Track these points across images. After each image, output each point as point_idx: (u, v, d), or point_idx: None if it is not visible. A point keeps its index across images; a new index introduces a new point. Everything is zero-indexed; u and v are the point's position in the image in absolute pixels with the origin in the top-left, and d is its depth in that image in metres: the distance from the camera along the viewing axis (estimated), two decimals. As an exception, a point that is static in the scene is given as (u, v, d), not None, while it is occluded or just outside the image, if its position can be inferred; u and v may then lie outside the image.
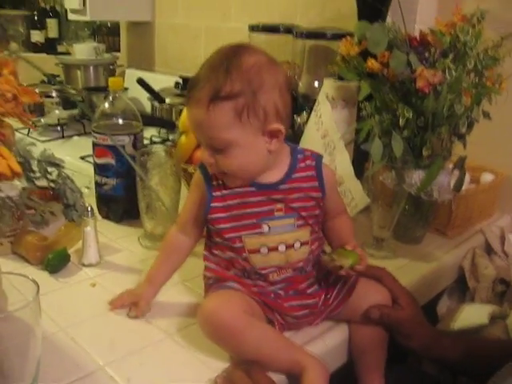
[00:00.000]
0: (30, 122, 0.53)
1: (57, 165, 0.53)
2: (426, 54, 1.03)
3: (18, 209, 0.49)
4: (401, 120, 1.02)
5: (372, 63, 1.05)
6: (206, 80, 0.73)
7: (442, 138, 1.05)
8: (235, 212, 0.80)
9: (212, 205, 0.80)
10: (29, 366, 0.62)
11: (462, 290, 1.18)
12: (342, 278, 0.86)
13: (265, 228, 0.79)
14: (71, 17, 2.15)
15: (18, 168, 0.44)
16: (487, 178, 1.31)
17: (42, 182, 0.54)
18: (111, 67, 2.30)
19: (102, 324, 0.84)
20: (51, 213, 0.54)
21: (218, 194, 0.80)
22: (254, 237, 0.79)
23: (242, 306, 0.75)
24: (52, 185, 0.54)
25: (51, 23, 2.79)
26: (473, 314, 1.05)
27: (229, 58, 0.74)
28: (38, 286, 0.57)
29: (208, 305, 0.76)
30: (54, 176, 0.53)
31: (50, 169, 0.52)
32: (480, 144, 1.15)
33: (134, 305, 0.86)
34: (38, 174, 0.52)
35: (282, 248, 0.80)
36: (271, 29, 1.53)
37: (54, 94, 1.98)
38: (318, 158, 0.84)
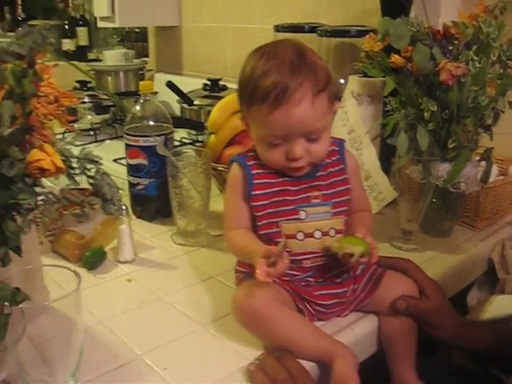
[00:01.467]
0: (70, 124, 0.56)
1: (95, 162, 0.56)
2: (450, 47, 1.04)
3: (60, 204, 0.52)
4: (426, 113, 1.03)
5: (395, 58, 1.06)
6: (298, 80, 0.76)
7: (467, 129, 1.06)
8: (275, 199, 0.83)
9: (253, 193, 0.83)
10: (71, 355, 0.65)
11: (491, 281, 1.18)
12: (369, 269, 0.88)
13: (302, 214, 0.83)
14: (100, 24, 2.21)
15: (61, 164, 0.47)
16: (515, 169, 1.31)
17: (82, 180, 0.58)
18: (140, 72, 2.35)
19: (139, 317, 0.88)
20: (91, 206, 0.57)
21: (258, 181, 0.83)
22: (291, 223, 0.82)
23: (273, 294, 0.78)
24: (91, 181, 0.57)
25: (81, 31, 2.86)
26: (503, 305, 1.05)
27: (301, 55, 0.78)
28: (80, 277, 0.60)
29: (240, 294, 0.79)
30: (92, 172, 0.57)
31: (88, 166, 0.56)
32: (508, 135, 1.15)
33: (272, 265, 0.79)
34: (77, 171, 0.55)
35: (317, 235, 0.83)
36: (296, 28, 1.55)
37: (86, 100, 2.04)
38: (340, 143, 0.88)
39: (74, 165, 0.55)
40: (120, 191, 0.67)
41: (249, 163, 0.85)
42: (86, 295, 0.91)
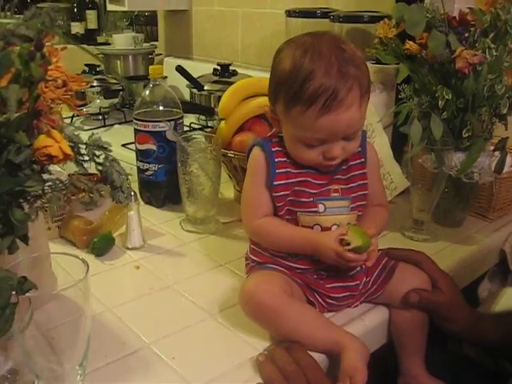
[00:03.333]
0: (79, 108, 0.55)
1: (104, 148, 0.55)
2: (466, 35, 1.02)
3: (67, 190, 0.51)
4: (440, 102, 1.01)
5: (410, 45, 1.04)
6: (348, 83, 0.73)
7: (482, 119, 1.04)
8: (295, 189, 0.81)
9: (275, 183, 0.81)
10: (79, 343, 0.64)
11: (503, 273, 1.17)
12: (381, 261, 0.87)
13: (320, 207, 0.81)
14: (110, 7, 2.19)
15: (69, 150, 0.46)
16: (530, 160, 1.29)
17: (90, 166, 0.57)
18: (150, 56, 2.33)
19: (147, 304, 0.87)
20: (99, 193, 0.56)
21: (280, 171, 0.81)
22: (309, 215, 0.81)
23: (282, 286, 0.77)
24: (100, 168, 0.56)
25: (90, 15, 2.83)
26: (515, 297, 1.04)
27: (344, 55, 0.75)
28: (88, 266, 0.60)
29: (249, 285, 0.78)
30: (101, 159, 0.56)
31: (97, 152, 0.55)
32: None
33: None
34: (86, 158, 0.54)
35: (334, 229, 0.81)
36: (308, 13, 1.52)
37: (95, 84, 2.02)
38: (363, 134, 0.85)
39: (83, 151, 0.54)
40: (129, 177, 0.66)
41: (273, 149, 0.82)
42: (94, 282, 0.90)
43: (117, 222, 1.06)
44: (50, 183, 0.52)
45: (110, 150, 0.57)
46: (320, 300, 0.82)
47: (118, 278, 0.95)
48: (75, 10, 2.84)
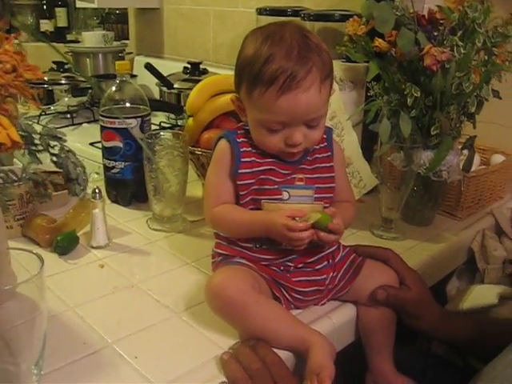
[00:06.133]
0: (36, 101, 0.53)
1: (59, 138, 0.53)
2: (435, 33, 1.02)
3: (20, 182, 0.49)
4: (409, 99, 1.01)
5: (379, 42, 1.04)
6: (307, 66, 0.74)
7: (450, 117, 1.04)
8: (260, 177, 0.81)
9: (240, 171, 0.81)
10: (35, 342, 0.62)
11: (471, 271, 1.18)
12: (348, 257, 0.86)
13: (285, 195, 0.81)
14: (79, 4, 2.15)
15: (17, 138, 0.44)
16: (498, 159, 1.30)
17: (45, 156, 0.54)
18: (120, 55, 2.30)
19: (111, 303, 0.84)
20: (54, 185, 0.54)
21: (245, 160, 0.81)
22: (273, 202, 0.80)
23: (249, 281, 0.76)
24: (54, 158, 0.54)
25: (60, 12, 2.79)
26: (482, 295, 1.04)
27: (307, 39, 0.76)
28: (43, 260, 0.57)
29: (215, 280, 0.76)
30: (56, 150, 0.53)
31: (52, 143, 0.52)
32: (491, 124, 1.14)
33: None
34: (40, 148, 0.52)
35: (298, 218, 0.79)
36: (279, 12, 1.52)
37: (63, 82, 1.99)
38: (328, 131, 0.87)
39: (37, 141, 0.52)
40: (95, 175, 0.64)
41: (238, 140, 0.83)
42: (57, 281, 0.89)
43: (81, 221, 1.03)
44: (1, 174, 0.50)
45: (65, 141, 0.55)
46: (286, 295, 0.81)
47: (82, 277, 0.92)
48: (44, 7, 2.80)
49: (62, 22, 2.79)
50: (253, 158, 0.81)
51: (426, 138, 1.07)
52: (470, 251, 1.16)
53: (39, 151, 0.52)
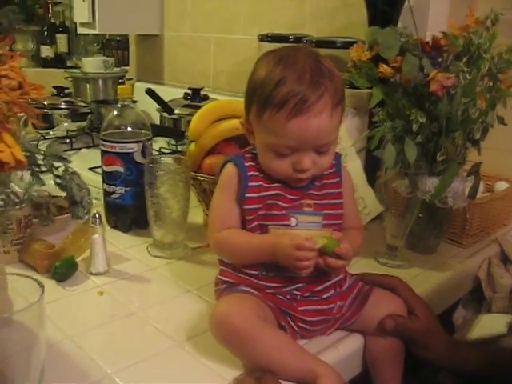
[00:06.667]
0: (46, 131, 0.51)
1: (63, 159, 0.51)
2: (439, 59, 1.02)
3: (22, 204, 0.47)
4: (414, 125, 1.00)
5: (384, 68, 1.04)
6: (319, 90, 0.73)
7: (456, 143, 1.03)
8: (268, 202, 0.79)
9: (247, 195, 0.79)
10: (32, 372, 0.60)
11: (477, 300, 1.15)
12: (356, 285, 0.84)
13: (293, 221, 0.79)
14: (80, 30, 2.16)
15: (21, 157, 0.42)
16: (502, 186, 1.29)
17: (48, 177, 0.52)
18: (120, 80, 2.30)
19: (110, 332, 0.82)
20: (57, 208, 0.52)
21: (253, 184, 0.80)
22: (280, 228, 0.78)
23: (255, 309, 0.73)
24: (58, 180, 0.52)
25: (61, 38, 2.80)
26: (490, 324, 1.02)
27: (320, 64, 0.75)
28: (43, 287, 0.55)
29: (219, 308, 0.74)
30: (60, 172, 0.52)
31: (56, 164, 0.51)
32: (494, 150, 1.12)
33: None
34: (43, 169, 0.50)
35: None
36: (281, 38, 1.51)
37: (63, 106, 1.98)
38: (338, 156, 0.85)
39: (40, 162, 0.50)
40: (94, 200, 0.62)
41: (245, 164, 0.81)
42: (54, 308, 0.86)
43: (80, 246, 1.01)
44: (2, 196, 0.48)
45: (70, 162, 0.53)
46: (292, 324, 0.79)
47: (80, 305, 0.90)
48: (45, 33, 2.80)
49: (62, 47, 2.79)
50: (260, 183, 0.80)
51: (431, 164, 1.05)
52: (476, 279, 1.14)
53: (42, 172, 0.50)
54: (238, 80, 1.92)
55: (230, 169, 0.82)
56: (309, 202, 0.80)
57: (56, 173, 0.52)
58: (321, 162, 0.78)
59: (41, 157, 0.50)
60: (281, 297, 0.79)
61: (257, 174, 0.81)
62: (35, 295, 0.58)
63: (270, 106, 0.74)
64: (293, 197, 0.80)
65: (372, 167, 1.19)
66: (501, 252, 1.21)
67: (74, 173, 0.52)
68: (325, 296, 0.81)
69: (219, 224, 0.82)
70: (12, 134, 0.44)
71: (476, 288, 1.14)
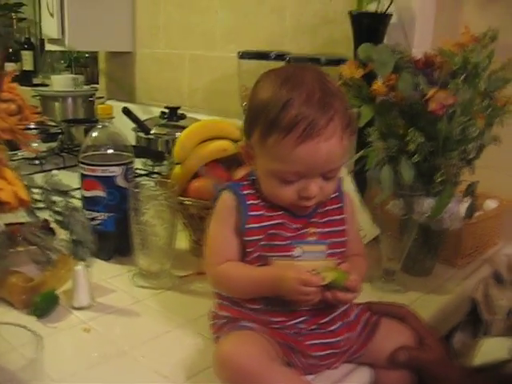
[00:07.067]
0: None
1: (65, 193, 0.45)
2: (434, 77, 0.99)
3: (14, 244, 0.41)
4: (412, 145, 0.97)
5: (378, 86, 1.00)
6: (330, 113, 0.68)
7: (453, 163, 1.00)
8: (270, 232, 0.74)
9: (248, 226, 0.74)
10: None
11: (474, 322, 1.12)
12: (362, 316, 0.80)
13: (297, 251, 0.74)
14: (49, 47, 2.08)
15: (25, 196, 0.36)
16: (491, 204, 1.27)
17: (44, 214, 0.46)
18: (90, 99, 2.22)
19: (100, 375, 0.75)
20: (58, 251, 0.46)
21: (253, 213, 0.74)
22: (284, 260, 0.73)
23: (261, 347, 0.68)
24: (58, 217, 0.46)
25: (26, 55, 2.71)
26: (492, 349, 0.99)
27: (327, 86, 0.71)
28: (41, 339, 0.49)
29: (224, 347, 0.69)
30: (59, 207, 0.46)
31: (55, 199, 0.45)
32: (482, 169, 1.10)
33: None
34: (40, 205, 0.44)
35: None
36: (262, 55, 1.48)
37: (32, 126, 1.89)
38: (338, 180, 0.80)
39: (37, 197, 0.44)
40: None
41: (244, 192, 0.76)
42: (36, 349, 0.79)
43: (61, 278, 0.94)
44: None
45: (72, 196, 0.47)
46: (298, 361, 0.74)
47: (65, 344, 0.83)
48: (10, 49, 2.71)
49: (28, 65, 2.71)
50: (262, 212, 0.75)
51: (426, 185, 1.02)
52: (473, 301, 1.11)
53: (40, 209, 0.44)
54: (215, 97, 1.87)
55: (227, 197, 0.77)
56: (312, 230, 0.76)
57: (56, 209, 0.45)
58: (327, 188, 0.74)
59: (36, 190, 0.44)
60: (286, 331, 0.74)
61: (257, 202, 0.75)
62: (20, 341, 0.52)
63: (276, 130, 0.69)
64: (296, 225, 0.75)
65: (360, 188, 1.15)
66: (494, 271, 1.19)
67: (74, 208, 0.46)
68: (332, 328, 0.76)
69: (218, 257, 0.77)
70: (6, 165, 0.38)
71: (472, 310, 1.11)
